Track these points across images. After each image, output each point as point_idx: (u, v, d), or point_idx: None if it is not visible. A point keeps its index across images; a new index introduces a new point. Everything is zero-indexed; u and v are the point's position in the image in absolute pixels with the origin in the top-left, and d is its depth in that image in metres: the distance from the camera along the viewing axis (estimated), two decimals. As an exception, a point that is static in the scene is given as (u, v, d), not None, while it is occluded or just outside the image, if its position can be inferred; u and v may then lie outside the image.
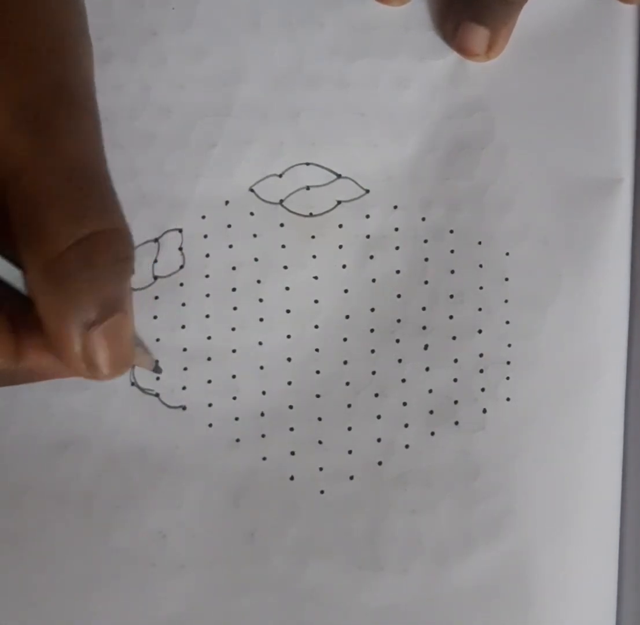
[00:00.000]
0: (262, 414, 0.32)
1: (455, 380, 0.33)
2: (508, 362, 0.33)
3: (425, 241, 0.33)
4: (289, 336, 0.33)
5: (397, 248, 0.33)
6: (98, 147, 0.24)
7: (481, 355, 0.33)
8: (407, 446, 0.32)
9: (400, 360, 0.33)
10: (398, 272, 0.33)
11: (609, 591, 0.32)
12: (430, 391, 0.33)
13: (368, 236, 0.33)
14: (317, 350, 0.33)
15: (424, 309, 0.33)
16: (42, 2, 0.25)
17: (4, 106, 0.23)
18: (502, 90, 0.34)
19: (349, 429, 0.32)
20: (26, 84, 0.23)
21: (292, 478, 0.32)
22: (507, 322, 0.33)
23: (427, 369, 0.33)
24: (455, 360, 0.33)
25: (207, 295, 0.33)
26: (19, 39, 0.23)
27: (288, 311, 0.33)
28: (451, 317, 0.33)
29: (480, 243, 0.33)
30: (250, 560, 0.31)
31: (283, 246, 0.33)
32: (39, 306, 0.23)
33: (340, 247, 0.33)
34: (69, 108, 0.24)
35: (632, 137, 0.34)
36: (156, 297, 0.32)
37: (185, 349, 0.32)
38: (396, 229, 0.33)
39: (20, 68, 0.23)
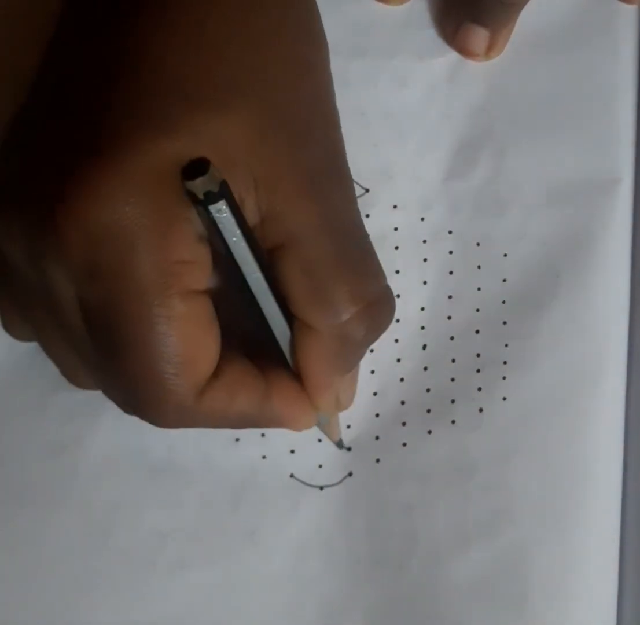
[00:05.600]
0: (262, 412, 0.32)
1: (452, 379, 0.33)
2: (505, 362, 0.33)
3: (424, 241, 0.34)
4: (288, 336, 0.33)
5: (396, 248, 0.33)
6: (359, 212, 0.26)
7: (478, 355, 0.33)
8: (404, 444, 0.32)
9: (398, 360, 0.33)
10: (397, 272, 0.33)
11: (609, 590, 0.33)
12: (427, 390, 0.33)
13: (367, 236, 0.34)
14: (316, 349, 0.33)
15: (422, 309, 0.33)
16: (321, 74, 0.26)
17: (290, 172, 0.24)
18: (501, 90, 0.34)
19: (348, 426, 0.32)
20: (308, 153, 0.24)
21: (291, 476, 0.32)
22: (505, 323, 0.33)
23: (425, 368, 0.33)
24: (453, 360, 0.33)
25: (208, 296, 0.33)
26: (306, 110, 0.25)
27: (288, 311, 0.33)
28: (449, 317, 0.33)
29: (478, 244, 0.34)
30: (251, 558, 0.31)
31: (283, 247, 0.33)
32: (308, 356, 0.25)
33: (340, 246, 0.33)
34: (340, 176, 0.26)
35: (632, 137, 0.35)
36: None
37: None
38: (395, 229, 0.34)
39: (304, 138, 0.24)
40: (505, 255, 0.33)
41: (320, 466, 0.32)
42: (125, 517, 0.31)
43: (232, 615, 0.31)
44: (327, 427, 0.31)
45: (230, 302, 0.25)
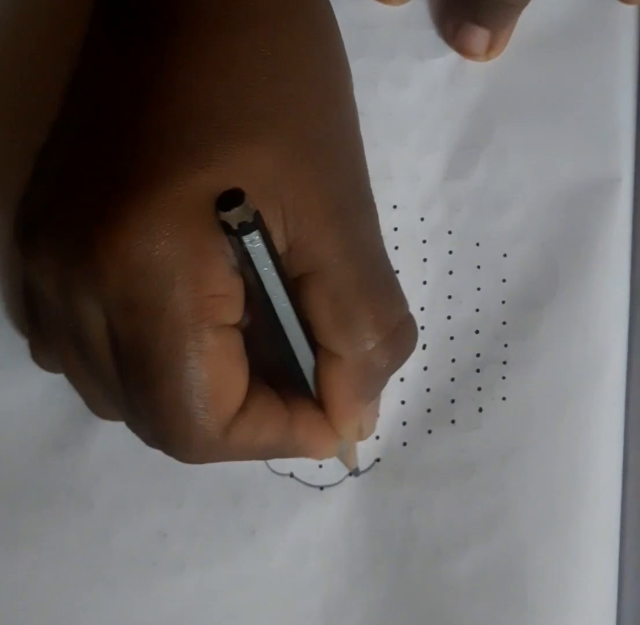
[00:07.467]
0: (262, 412, 0.32)
1: (452, 379, 0.33)
2: (504, 362, 0.33)
3: (424, 241, 0.34)
4: (288, 335, 0.33)
5: (396, 248, 0.33)
6: (382, 240, 0.26)
7: (478, 355, 0.33)
8: (404, 444, 0.32)
9: (398, 360, 0.33)
10: (397, 272, 0.33)
11: (609, 590, 0.32)
12: (428, 390, 0.33)
13: (367, 236, 0.33)
14: (316, 349, 0.33)
15: (422, 309, 0.33)
16: (347, 101, 0.27)
17: (317, 201, 0.24)
18: (501, 90, 0.34)
19: (348, 427, 0.33)
20: (335, 182, 0.24)
21: (291, 475, 0.32)
22: (504, 323, 0.33)
23: (425, 368, 0.33)
24: (453, 360, 0.33)
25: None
26: (333, 139, 0.25)
27: (289, 311, 0.33)
28: (449, 317, 0.33)
29: (478, 244, 0.34)
30: (251, 558, 0.31)
31: (283, 246, 0.33)
32: (332, 384, 0.25)
33: (340, 246, 0.33)
34: (365, 203, 0.26)
35: (631, 137, 0.35)
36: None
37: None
38: (395, 229, 0.34)
39: (331, 166, 0.25)
40: (505, 255, 0.33)
41: (320, 466, 0.32)
42: (125, 517, 0.31)
43: (232, 615, 0.31)
44: (346, 455, 0.31)
45: (256, 331, 0.25)
